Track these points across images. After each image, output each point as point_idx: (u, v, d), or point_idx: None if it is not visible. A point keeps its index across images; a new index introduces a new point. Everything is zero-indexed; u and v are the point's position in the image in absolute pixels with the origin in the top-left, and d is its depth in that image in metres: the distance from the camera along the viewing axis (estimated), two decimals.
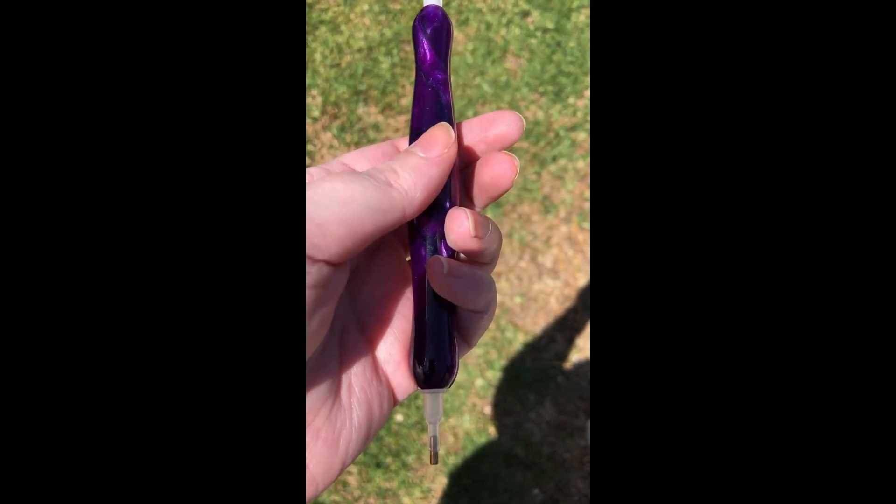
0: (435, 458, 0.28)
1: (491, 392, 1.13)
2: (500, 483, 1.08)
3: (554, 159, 1.24)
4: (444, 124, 0.27)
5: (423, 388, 0.27)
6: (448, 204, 0.27)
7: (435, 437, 0.28)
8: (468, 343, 0.29)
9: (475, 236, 0.26)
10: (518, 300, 1.17)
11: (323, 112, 1.29)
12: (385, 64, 1.31)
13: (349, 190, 0.23)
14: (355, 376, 0.27)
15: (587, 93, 1.29)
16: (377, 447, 1.10)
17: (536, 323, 1.16)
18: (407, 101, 1.30)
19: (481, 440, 1.11)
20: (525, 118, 1.26)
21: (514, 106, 1.28)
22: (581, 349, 1.15)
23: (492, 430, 1.11)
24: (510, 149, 0.29)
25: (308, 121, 1.27)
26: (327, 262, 0.23)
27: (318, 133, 1.28)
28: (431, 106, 0.28)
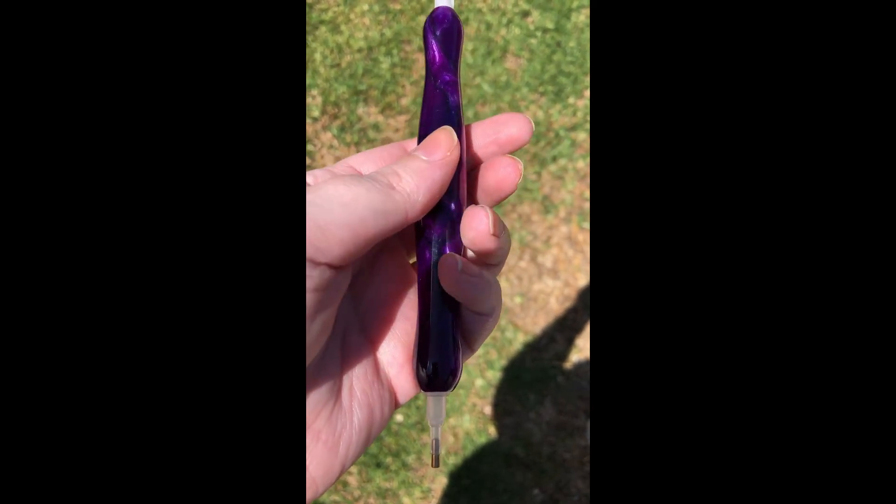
0: (436, 461, 0.27)
1: (491, 392, 1.13)
2: (500, 483, 1.08)
3: (554, 159, 1.24)
4: (448, 128, 0.27)
5: (426, 391, 0.27)
6: (453, 206, 0.27)
7: (437, 440, 0.28)
8: (471, 347, 0.29)
9: (493, 234, 0.26)
10: (518, 300, 1.17)
11: (323, 112, 1.29)
12: (385, 64, 1.31)
13: (352, 193, 0.23)
14: (357, 379, 0.27)
15: (587, 93, 1.29)
16: (377, 447, 1.10)
17: (536, 323, 1.16)
18: (407, 101, 1.30)
19: (481, 440, 1.11)
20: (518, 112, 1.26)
21: (514, 106, 1.28)
22: (581, 349, 1.15)
23: (492, 430, 1.11)
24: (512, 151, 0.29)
25: (308, 121, 1.27)
26: (329, 266, 0.23)
27: (318, 133, 1.28)
28: (439, 108, 0.28)
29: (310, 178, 0.27)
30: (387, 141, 1.27)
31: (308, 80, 1.29)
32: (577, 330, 1.16)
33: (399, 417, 1.12)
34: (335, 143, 1.27)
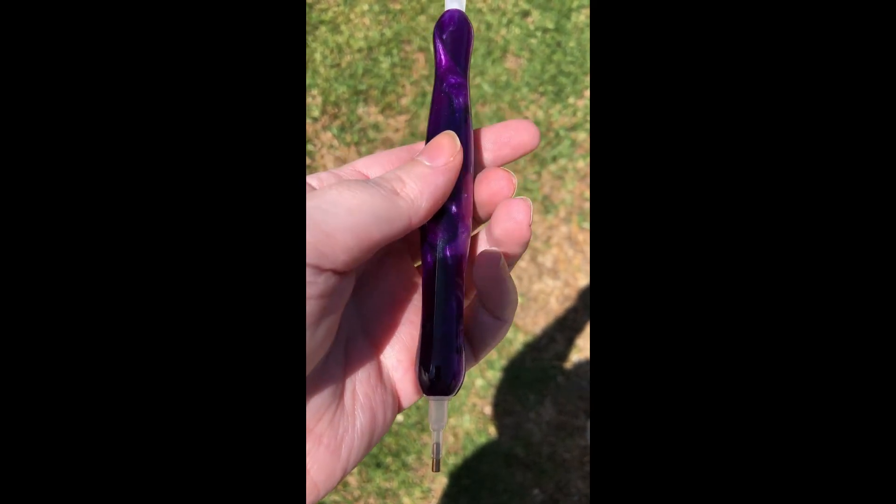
0: (437, 465, 0.27)
1: (491, 392, 1.13)
2: (500, 483, 1.08)
3: (554, 159, 1.24)
4: (450, 133, 0.27)
5: (427, 394, 0.27)
6: (455, 209, 0.27)
7: (438, 444, 0.27)
8: (476, 356, 0.28)
9: (530, 226, 0.26)
10: (518, 300, 1.17)
11: (323, 112, 1.29)
12: (385, 64, 1.31)
13: (357, 199, 0.23)
14: (360, 383, 0.26)
15: (587, 93, 1.29)
16: (377, 447, 1.10)
17: (536, 323, 1.16)
18: (407, 101, 1.30)
19: (481, 440, 1.11)
20: (525, 118, 1.27)
21: (514, 106, 1.28)
22: (581, 349, 1.15)
23: (492, 430, 1.11)
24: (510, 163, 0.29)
25: (308, 121, 1.27)
26: (334, 272, 0.22)
27: (318, 133, 1.28)
28: (445, 111, 0.28)
29: (314, 181, 0.27)
30: (386, 141, 1.27)
31: (308, 80, 1.29)
32: (577, 330, 1.16)
33: (399, 418, 1.12)
34: (335, 143, 1.27)
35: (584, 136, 1.26)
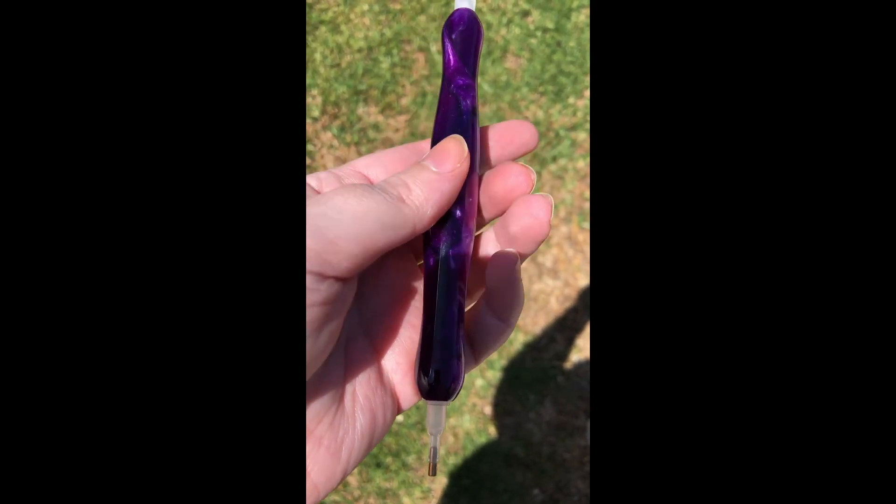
0: (433, 470, 0.27)
1: (491, 392, 1.13)
2: (500, 483, 1.08)
3: (554, 159, 1.24)
4: (458, 137, 0.26)
5: (426, 399, 0.27)
6: (459, 213, 0.27)
7: (435, 449, 0.27)
8: (477, 359, 0.28)
9: (550, 223, 0.25)
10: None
11: (323, 112, 1.29)
12: (385, 64, 1.31)
13: (363, 206, 0.23)
14: (360, 385, 0.26)
15: (587, 93, 1.29)
16: (377, 447, 1.10)
17: (536, 323, 1.16)
18: (407, 101, 1.30)
19: (481, 440, 1.11)
20: (525, 118, 1.27)
21: (514, 106, 1.28)
22: (581, 349, 1.15)
23: (492, 430, 1.11)
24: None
25: (308, 121, 1.27)
26: (336, 279, 0.22)
27: (318, 133, 1.28)
28: (452, 113, 0.27)
29: (313, 180, 0.27)
30: (386, 141, 1.27)
31: (308, 80, 1.29)
32: (577, 330, 1.16)
33: (399, 418, 1.12)
34: (335, 142, 1.27)
35: (584, 136, 1.26)
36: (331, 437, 0.25)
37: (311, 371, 0.22)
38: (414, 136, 1.27)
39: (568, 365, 1.14)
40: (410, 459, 1.10)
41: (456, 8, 0.28)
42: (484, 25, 1.33)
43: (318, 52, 1.32)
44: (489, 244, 0.29)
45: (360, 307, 0.28)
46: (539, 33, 1.33)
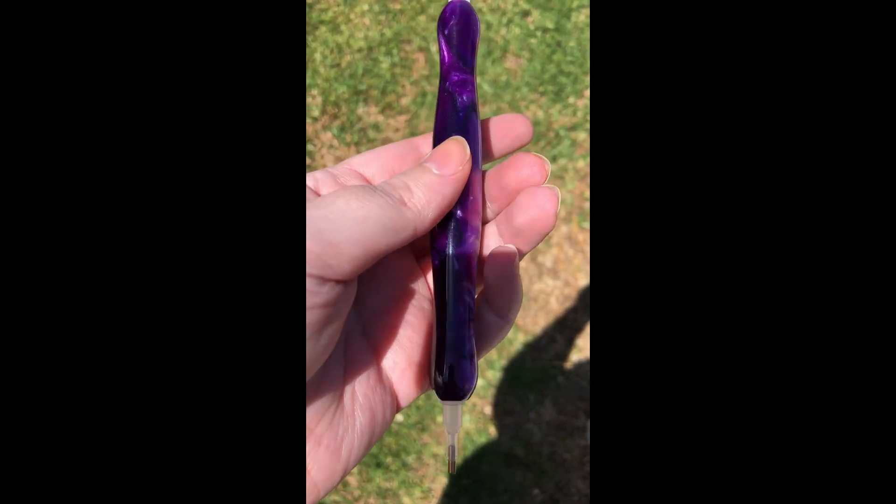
0: (453, 467, 0.27)
1: (491, 392, 1.13)
2: (500, 483, 1.08)
3: (554, 159, 1.24)
4: (460, 139, 0.26)
5: (441, 399, 0.27)
6: (461, 213, 0.26)
7: (453, 447, 0.27)
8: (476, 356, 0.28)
9: (556, 216, 0.25)
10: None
11: (323, 112, 1.29)
12: (385, 64, 1.31)
13: (364, 209, 0.23)
14: (359, 383, 0.26)
15: (587, 93, 1.29)
16: (377, 447, 1.10)
17: (536, 323, 1.16)
18: (407, 100, 1.30)
19: (481, 440, 1.11)
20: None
21: (514, 106, 1.28)
22: (581, 349, 1.15)
23: (492, 430, 1.11)
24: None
25: (308, 121, 1.27)
26: (337, 281, 0.22)
27: (318, 133, 1.28)
28: (449, 111, 0.27)
29: (310, 180, 0.27)
30: (386, 141, 1.27)
31: (308, 80, 1.29)
32: (577, 330, 1.16)
33: (399, 417, 1.12)
34: (335, 142, 1.27)
35: (584, 136, 1.26)
36: (330, 436, 0.25)
37: (311, 372, 0.22)
38: (414, 135, 1.26)
39: (568, 365, 1.14)
40: (410, 459, 1.10)
41: (448, 1, 0.28)
42: (483, 25, 1.33)
43: (318, 52, 1.32)
44: (490, 238, 0.29)
45: (358, 306, 0.28)
46: (539, 33, 1.33)
